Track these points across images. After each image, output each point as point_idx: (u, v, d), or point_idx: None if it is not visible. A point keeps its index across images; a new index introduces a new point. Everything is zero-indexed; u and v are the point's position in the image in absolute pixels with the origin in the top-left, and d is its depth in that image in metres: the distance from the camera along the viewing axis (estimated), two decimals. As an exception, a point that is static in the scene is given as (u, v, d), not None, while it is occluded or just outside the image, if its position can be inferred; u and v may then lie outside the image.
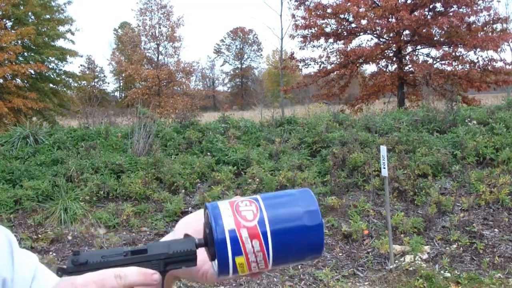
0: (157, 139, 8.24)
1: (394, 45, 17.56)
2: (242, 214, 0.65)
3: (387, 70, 18.36)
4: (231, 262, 0.65)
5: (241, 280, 4.82)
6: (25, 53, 20.10)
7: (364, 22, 17.19)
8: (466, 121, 8.10)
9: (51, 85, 21.81)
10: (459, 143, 7.20)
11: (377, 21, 16.78)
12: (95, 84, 42.64)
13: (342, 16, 17.93)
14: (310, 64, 19.04)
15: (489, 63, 16.82)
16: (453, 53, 16.59)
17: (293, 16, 18.82)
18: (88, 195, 6.42)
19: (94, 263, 0.67)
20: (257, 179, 6.46)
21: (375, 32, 18.12)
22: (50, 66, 21.33)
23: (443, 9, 17.07)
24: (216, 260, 0.65)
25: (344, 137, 7.62)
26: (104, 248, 5.15)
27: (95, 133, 8.70)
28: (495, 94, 20.91)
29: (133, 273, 0.65)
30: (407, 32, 17.35)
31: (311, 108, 15.71)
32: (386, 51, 18.01)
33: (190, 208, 6.27)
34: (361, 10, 16.77)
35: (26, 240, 5.54)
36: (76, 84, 24.55)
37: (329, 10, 17.66)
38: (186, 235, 0.72)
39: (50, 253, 5.45)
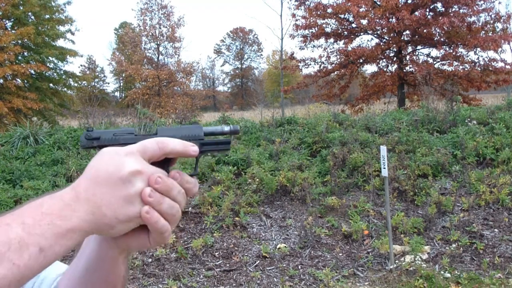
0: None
1: (394, 45, 17.55)
2: None
3: (388, 70, 18.35)
4: None
5: (241, 280, 4.82)
6: (25, 53, 20.12)
7: (364, 22, 17.18)
8: (466, 121, 8.09)
9: (51, 85, 21.83)
10: (459, 143, 7.19)
11: (378, 21, 16.77)
12: (95, 84, 42.70)
13: (342, 16, 17.93)
14: (310, 64, 19.05)
15: (490, 63, 16.82)
16: (454, 53, 16.59)
17: (294, 15, 18.83)
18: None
19: (106, 139, 0.71)
20: (257, 179, 6.45)
21: (375, 32, 18.11)
22: (50, 66, 21.36)
23: (443, 9, 17.07)
24: None
25: (344, 137, 7.62)
26: None
27: (95, 133, 8.68)
28: (495, 94, 20.91)
29: (174, 141, 0.69)
30: (407, 32, 17.35)
31: (311, 108, 15.72)
32: (386, 51, 18.00)
33: (190, 208, 6.27)
34: (361, 10, 16.76)
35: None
36: (76, 84, 24.59)
37: (329, 10, 17.66)
38: (195, 122, 0.75)
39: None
